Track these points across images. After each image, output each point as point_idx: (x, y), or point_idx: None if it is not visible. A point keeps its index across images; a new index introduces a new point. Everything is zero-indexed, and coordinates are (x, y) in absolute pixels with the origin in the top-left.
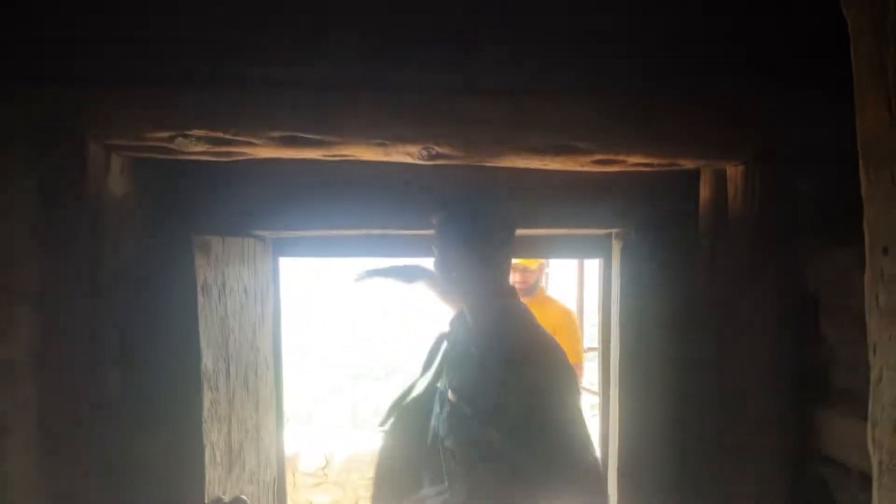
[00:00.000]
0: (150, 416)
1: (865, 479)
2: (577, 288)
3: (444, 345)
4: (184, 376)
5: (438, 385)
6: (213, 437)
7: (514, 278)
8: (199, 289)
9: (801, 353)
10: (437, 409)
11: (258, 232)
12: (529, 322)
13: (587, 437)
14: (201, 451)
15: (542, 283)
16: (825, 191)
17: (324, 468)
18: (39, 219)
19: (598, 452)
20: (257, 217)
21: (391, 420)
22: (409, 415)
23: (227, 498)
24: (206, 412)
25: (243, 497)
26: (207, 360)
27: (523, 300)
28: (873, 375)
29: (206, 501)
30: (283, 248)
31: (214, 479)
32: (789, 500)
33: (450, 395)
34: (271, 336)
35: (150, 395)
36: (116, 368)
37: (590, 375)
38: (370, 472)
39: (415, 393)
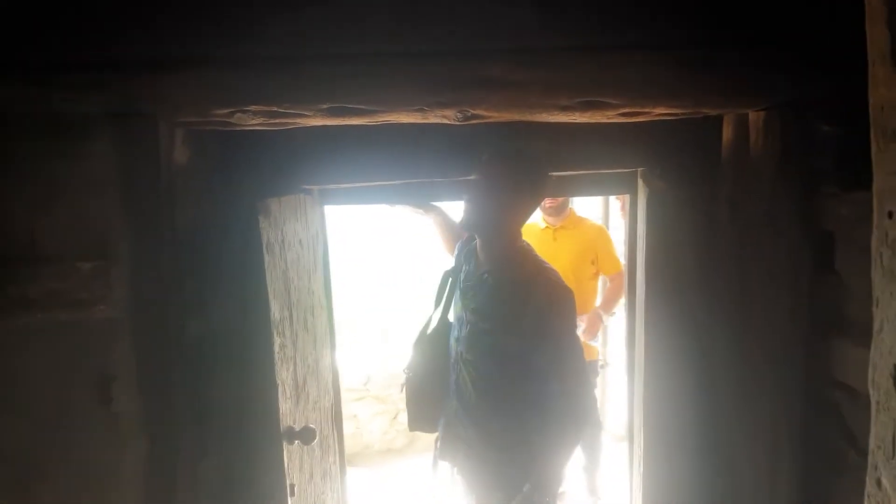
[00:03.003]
0: (229, 360)
1: None
2: (602, 211)
3: (450, 280)
4: (256, 325)
5: (452, 312)
6: (283, 376)
7: (545, 201)
8: (264, 248)
9: (816, 286)
10: (455, 332)
11: (307, 186)
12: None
13: (580, 347)
14: (275, 389)
15: (572, 206)
16: (844, 136)
17: (366, 384)
18: (123, 193)
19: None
20: (306, 173)
21: (417, 350)
22: (430, 343)
23: (297, 427)
24: (276, 355)
25: (311, 426)
26: (275, 310)
27: (554, 219)
28: (875, 326)
29: (280, 432)
30: (328, 198)
31: (286, 412)
32: (803, 421)
33: (469, 315)
34: (322, 278)
35: (229, 341)
36: (196, 319)
37: None
38: None
39: (432, 325)
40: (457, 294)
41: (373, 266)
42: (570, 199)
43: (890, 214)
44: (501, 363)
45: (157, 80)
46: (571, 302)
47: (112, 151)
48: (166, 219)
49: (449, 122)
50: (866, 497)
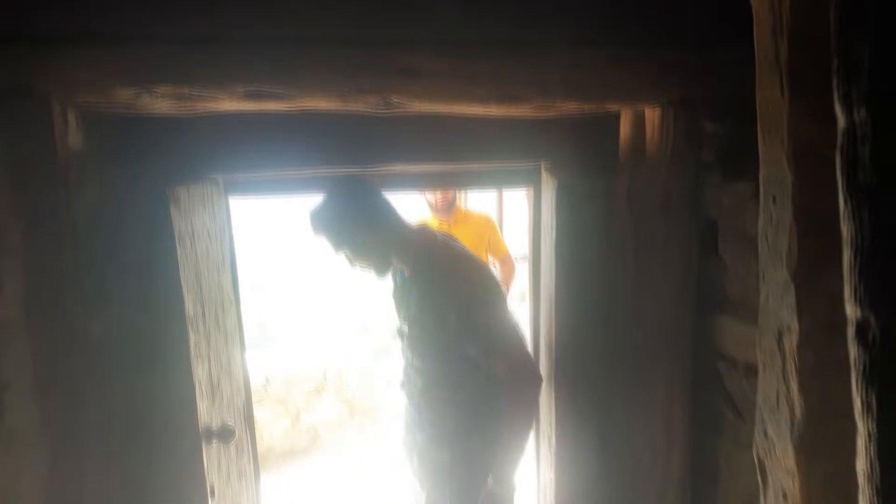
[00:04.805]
0: (141, 359)
1: (749, 370)
2: (497, 204)
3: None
4: (169, 320)
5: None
6: (199, 374)
7: (436, 196)
8: (176, 239)
9: (702, 269)
10: (401, 343)
11: (212, 175)
12: (450, 250)
13: (516, 327)
14: (192, 387)
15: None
16: (727, 132)
17: (265, 386)
18: (13, 180)
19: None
20: (211, 161)
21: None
22: None
23: (214, 427)
24: (192, 352)
25: (230, 425)
26: (189, 305)
27: (446, 216)
28: (762, 297)
29: (199, 432)
30: (233, 188)
31: (202, 411)
32: (692, 390)
33: (406, 325)
34: (230, 273)
35: (138, 339)
36: (100, 316)
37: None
38: (306, 387)
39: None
40: (394, 307)
41: (267, 264)
42: (457, 194)
43: (774, 199)
44: (446, 362)
45: (52, 56)
46: (494, 283)
47: (0, 133)
48: (63, 209)
49: (369, 111)
50: (755, 445)
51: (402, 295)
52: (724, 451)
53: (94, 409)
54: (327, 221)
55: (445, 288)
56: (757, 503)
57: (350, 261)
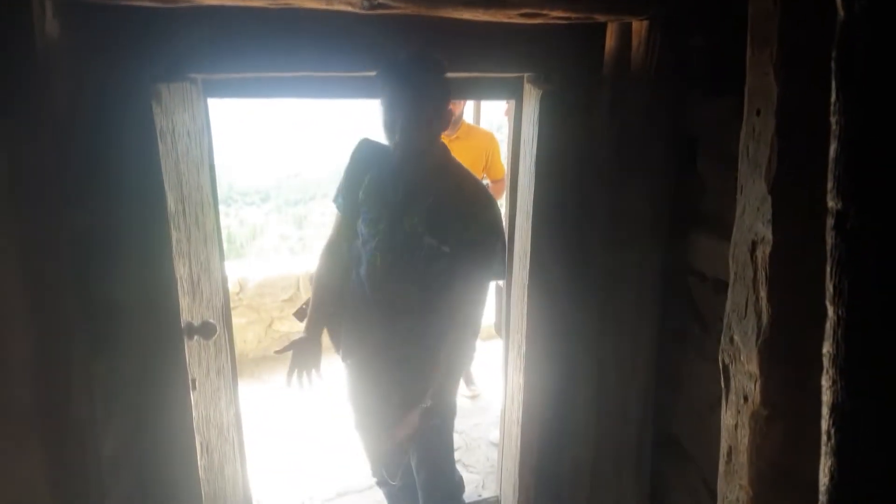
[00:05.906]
0: (122, 254)
1: (718, 284)
2: (473, 114)
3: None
4: (151, 217)
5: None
6: (181, 272)
7: None
8: (157, 136)
9: (679, 184)
10: (386, 243)
11: (192, 75)
12: (460, 166)
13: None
14: (174, 284)
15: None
16: (712, 49)
17: (238, 293)
18: None
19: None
20: (191, 60)
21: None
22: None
23: (196, 322)
24: (174, 249)
25: (211, 321)
26: (171, 202)
27: (451, 129)
28: (738, 209)
29: (181, 326)
30: (212, 89)
31: (184, 308)
32: (661, 301)
33: (428, 239)
34: (209, 174)
35: (122, 233)
36: (80, 210)
37: None
38: (281, 296)
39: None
40: (377, 204)
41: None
42: (463, 110)
43: (758, 112)
44: (439, 277)
45: None
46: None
47: None
48: (42, 101)
49: (353, 10)
50: (720, 352)
51: (428, 208)
52: (688, 361)
53: (79, 299)
54: (415, 80)
55: (465, 215)
56: (717, 410)
57: (402, 127)
